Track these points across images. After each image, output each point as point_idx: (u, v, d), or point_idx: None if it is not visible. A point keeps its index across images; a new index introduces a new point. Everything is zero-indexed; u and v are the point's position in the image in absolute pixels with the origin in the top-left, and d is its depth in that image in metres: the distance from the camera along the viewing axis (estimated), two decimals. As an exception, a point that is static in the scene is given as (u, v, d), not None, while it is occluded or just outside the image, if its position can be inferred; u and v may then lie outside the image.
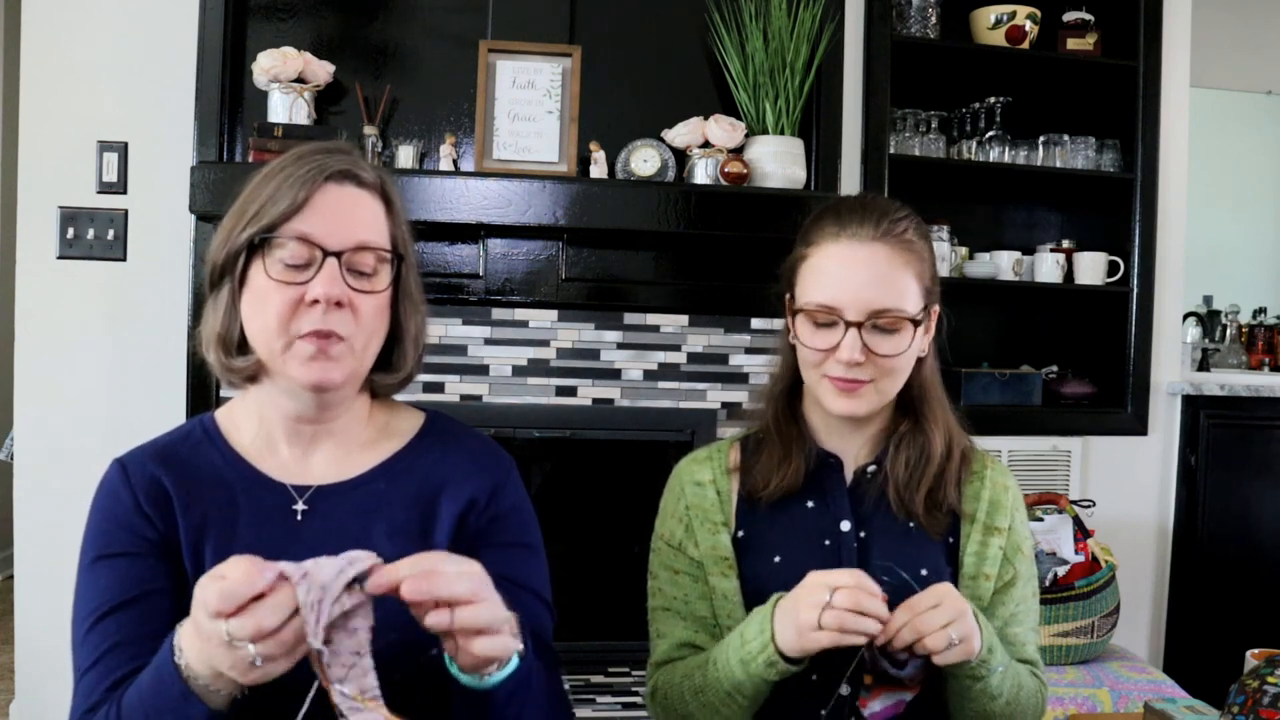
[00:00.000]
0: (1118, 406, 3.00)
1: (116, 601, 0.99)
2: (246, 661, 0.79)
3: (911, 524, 1.24)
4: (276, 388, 1.06)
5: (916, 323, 1.19)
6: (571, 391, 2.57)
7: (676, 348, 2.61)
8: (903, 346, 1.19)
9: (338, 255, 1.01)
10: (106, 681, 0.97)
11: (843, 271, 1.19)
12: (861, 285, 1.18)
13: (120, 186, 2.51)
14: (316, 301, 0.99)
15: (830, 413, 1.23)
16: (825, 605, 1.04)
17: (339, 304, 1.00)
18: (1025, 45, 2.88)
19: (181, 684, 0.84)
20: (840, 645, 1.05)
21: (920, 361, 1.26)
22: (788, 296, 1.27)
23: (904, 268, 1.19)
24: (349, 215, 1.03)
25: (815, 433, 1.28)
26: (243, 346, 1.05)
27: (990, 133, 2.94)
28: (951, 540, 1.25)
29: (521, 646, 0.92)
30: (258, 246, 1.01)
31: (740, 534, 1.27)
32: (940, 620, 1.05)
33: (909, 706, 1.11)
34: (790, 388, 1.30)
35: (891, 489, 1.23)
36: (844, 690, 1.14)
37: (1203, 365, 3.53)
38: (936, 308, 1.26)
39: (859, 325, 1.17)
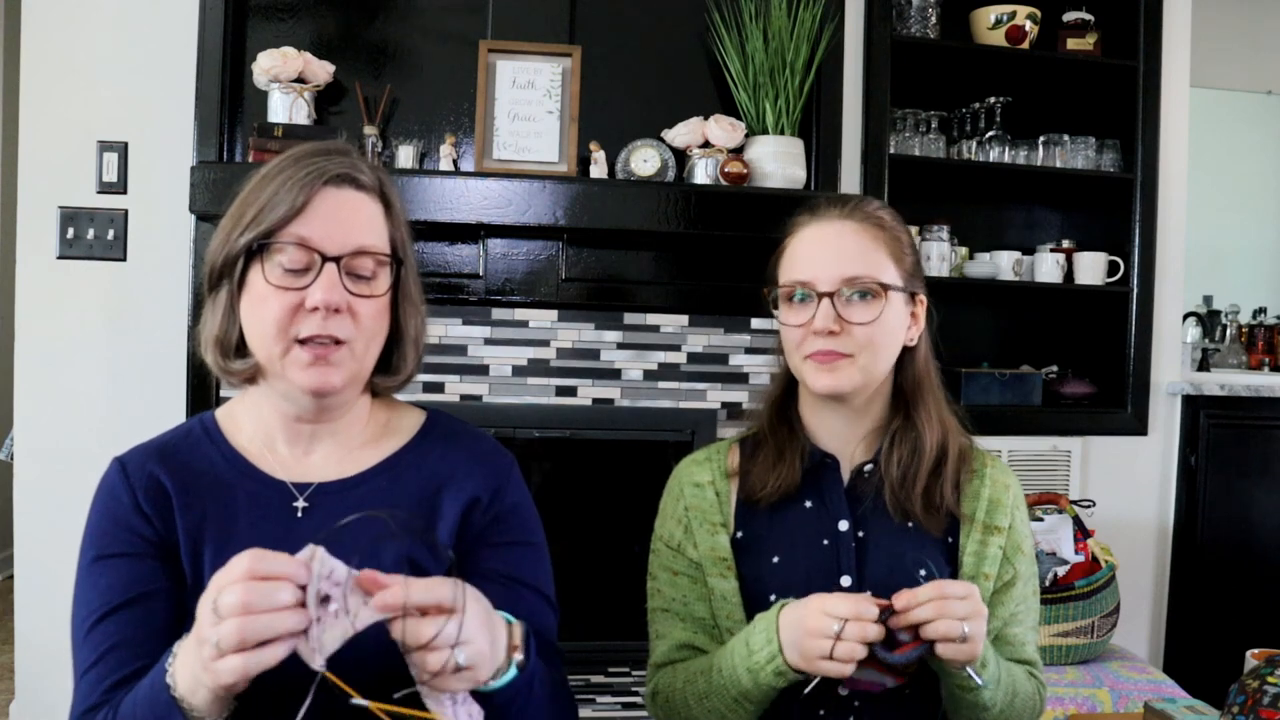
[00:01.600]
0: (1118, 406, 3.00)
1: (116, 602, 0.99)
2: (211, 654, 0.79)
3: (910, 523, 1.24)
4: (274, 390, 1.06)
5: (887, 287, 1.20)
6: (571, 391, 2.57)
7: (676, 348, 2.61)
8: (876, 313, 1.19)
9: (336, 260, 1.00)
10: (107, 682, 0.97)
11: (813, 248, 1.23)
12: (831, 258, 1.21)
13: (120, 186, 2.51)
14: (316, 308, 0.99)
15: (814, 391, 1.23)
16: (835, 637, 1.04)
17: (338, 309, 1.00)
18: (1025, 45, 2.88)
19: (168, 695, 0.84)
20: (841, 675, 1.06)
21: (911, 352, 1.27)
22: (772, 299, 1.28)
23: (874, 241, 1.22)
24: (348, 219, 1.03)
25: (812, 434, 1.28)
26: (241, 349, 1.05)
27: (990, 133, 2.94)
28: (951, 540, 1.25)
29: (521, 658, 0.92)
30: (256, 251, 1.01)
31: (739, 535, 1.27)
32: (962, 611, 1.05)
33: (887, 692, 1.10)
34: (785, 394, 1.31)
35: (888, 489, 1.24)
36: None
37: (1203, 365, 3.53)
38: (923, 297, 1.28)
39: (832, 295, 1.19)
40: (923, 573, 1.16)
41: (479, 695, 0.91)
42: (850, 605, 1.05)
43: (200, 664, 0.81)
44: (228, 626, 0.78)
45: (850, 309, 1.19)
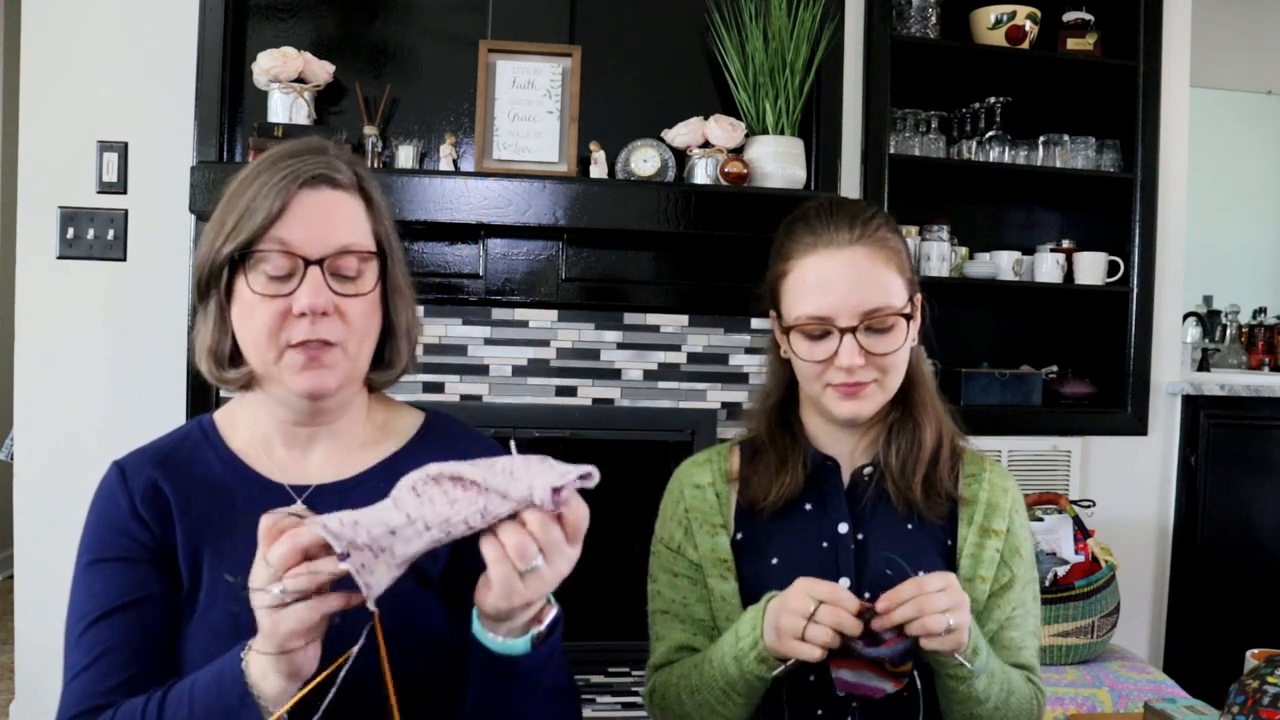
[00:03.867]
0: (1118, 406, 3.00)
1: (110, 606, 0.99)
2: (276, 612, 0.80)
3: (910, 525, 1.24)
4: (271, 396, 1.06)
5: (908, 316, 1.21)
6: (571, 391, 2.57)
7: (676, 348, 2.61)
8: (899, 342, 1.19)
9: (319, 263, 0.99)
10: (103, 686, 0.97)
11: (826, 281, 1.19)
12: (847, 291, 1.18)
13: (120, 186, 2.51)
14: (303, 313, 0.98)
15: (837, 418, 1.23)
16: (809, 618, 1.05)
17: (325, 312, 0.99)
18: (1025, 45, 2.88)
19: (241, 686, 0.85)
20: (811, 659, 1.05)
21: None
22: (773, 314, 1.27)
23: (884, 265, 1.20)
24: (327, 220, 1.02)
25: (813, 438, 1.28)
26: (235, 358, 1.05)
27: (990, 133, 2.94)
28: (950, 543, 1.25)
29: (541, 630, 0.91)
30: (239, 260, 1.00)
31: (739, 536, 1.27)
32: (944, 603, 1.05)
33: (888, 698, 1.10)
34: (783, 401, 1.30)
35: (889, 481, 1.24)
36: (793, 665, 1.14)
37: (1203, 365, 3.53)
38: (919, 296, 1.27)
39: (853, 330, 1.17)
40: (889, 572, 1.16)
41: (492, 660, 0.91)
42: (830, 590, 1.06)
43: (263, 633, 0.82)
44: (297, 574, 0.80)
45: (871, 340, 1.18)
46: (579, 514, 0.86)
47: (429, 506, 0.82)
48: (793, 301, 1.22)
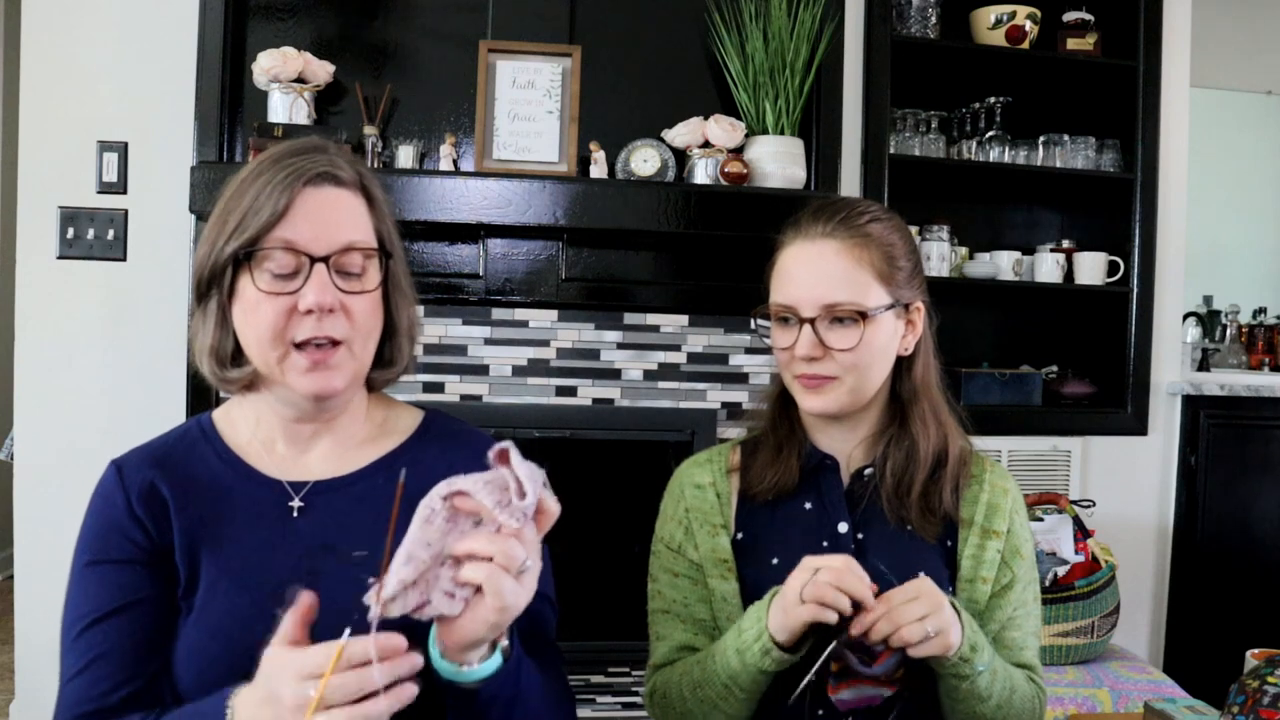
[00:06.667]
0: (1118, 406, 3.00)
1: (105, 609, 0.99)
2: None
3: (910, 525, 1.24)
4: (275, 395, 1.05)
5: (867, 315, 1.19)
6: (571, 391, 2.57)
7: (676, 348, 2.61)
8: (857, 339, 1.19)
9: (325, 260, 0.99)
10: (97, 690, 0.98)
11: (796, 270, 1.22)
12: (812, 281, 1.20)
13: (120, 186, 2.51)
14: (310, 310, 0.98)
15: (805, 411, 1.25)
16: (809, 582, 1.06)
17: (331, 309, 0.99)
18: (1025, 45, 2.88)
19: None
20: (819, 619, 1.05)
21: (907, 361, 1.26)
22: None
23: (857, 262, 1.20)
24: (332, 217, 1.02)
25: (810, 433, 1.29)
26: (237, 357, 1.04)
27: (990, 133, 2.94)
28: (950, 543, 1.25)
29: (506, 644, 0.91)
30: (243, 259, 1.00)
31: (739, 536, 1.27)
32: (917, 612, 1.05)
33: (885, 701, 1.11)
34: (784, 391, 1.30)
35: (883, 495, 1.24)
36: (811, 677, 1.14)
37: (1203, 365, 3.53)
38: (919, 305, 1.26)
39: (812, 321, 1.19)
40: (920, 575, 1.16)
41: (463, 694, 0.90)
42: (841, 559, 1.07)
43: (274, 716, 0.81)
44: (343, 679, 0.79)
45: (831, 334, 1.19)
46: (555, 507, 0.88)
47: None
48: (771, 289, 1.25)
